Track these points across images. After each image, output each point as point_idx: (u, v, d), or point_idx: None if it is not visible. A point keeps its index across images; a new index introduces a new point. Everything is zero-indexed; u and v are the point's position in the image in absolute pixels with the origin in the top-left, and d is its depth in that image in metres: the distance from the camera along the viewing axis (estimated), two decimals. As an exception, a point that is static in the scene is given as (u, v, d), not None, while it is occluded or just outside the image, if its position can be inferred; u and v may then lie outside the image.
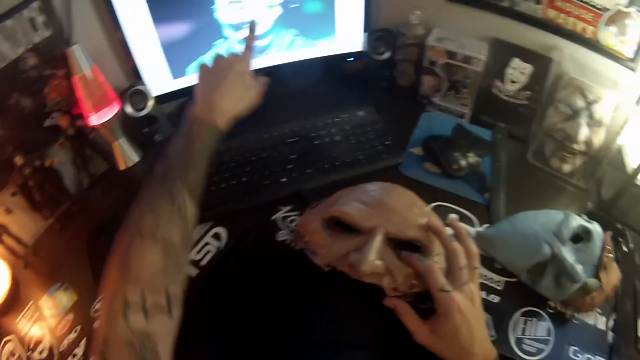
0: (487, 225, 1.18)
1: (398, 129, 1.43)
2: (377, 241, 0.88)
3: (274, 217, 1.21)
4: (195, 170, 0.92)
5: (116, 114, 1.31)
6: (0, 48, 1.11)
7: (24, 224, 1.25)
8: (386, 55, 1.56)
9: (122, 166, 1.40)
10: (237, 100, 1.05)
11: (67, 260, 1.21)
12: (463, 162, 1.29)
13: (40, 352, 1.08)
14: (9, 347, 1.10)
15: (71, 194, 1.34)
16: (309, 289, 0.96)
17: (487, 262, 1.10)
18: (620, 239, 1.15)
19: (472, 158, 1.31)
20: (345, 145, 1.34)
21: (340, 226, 0.96)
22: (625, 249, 1.14)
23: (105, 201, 1.34)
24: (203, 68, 1.09)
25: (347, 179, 1.23)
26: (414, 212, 0.95)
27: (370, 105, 1.49)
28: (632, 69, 1.25)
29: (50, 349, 1.08)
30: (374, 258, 0.86)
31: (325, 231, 0.98)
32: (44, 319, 1.12)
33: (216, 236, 1.18)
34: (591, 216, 1.14)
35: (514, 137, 1.44)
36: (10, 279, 1.18)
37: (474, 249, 0.89)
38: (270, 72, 1.51)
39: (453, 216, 1.19)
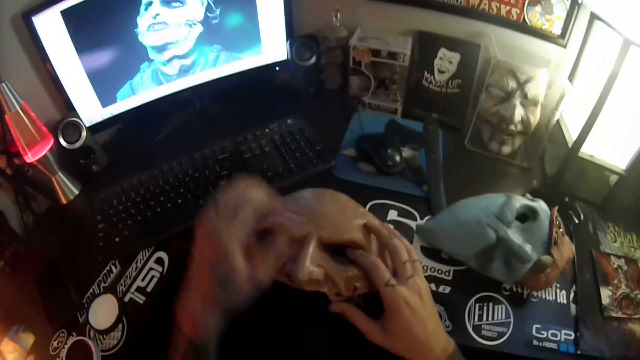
0: (428, 217, 1.15)
1: (330, 133, 1.41)
2: (311, 248, 0.85)
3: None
4: None
5: (50, 148, 1.27)
6: None
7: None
8: (311, 61, 1.54)
9: (63, 200, 1.36)
10: None
11: (22, 302, 1.17)
12: (397, 158, 1.26)
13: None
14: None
15: (17, 235, 1.31)
16: (256, 306, 0.92)
17: (433, 253, 1.07)
18: (571, 212, 1.13)
19: (407, 152, 1.29)
20: (276, 156, 1.31)
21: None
22: (576, 220, 1.13)
23: (52, 239, 1.29)
24: None
25: (282, 188, 1.18)
26: (346, 215, 0.92)
27: (299, 112, 1.45)
28: (563, 46, 1.27)
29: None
30: (309, 265, 0.83)
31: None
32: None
33: (159, 261, 1.14)
34: (537, 194, 1.12)
35: (449, 127, 1.42)
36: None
37: (408, 243, 0.87)
38: (197, 91, 1.52)
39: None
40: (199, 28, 1.43)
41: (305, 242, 0.85)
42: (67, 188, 1.36)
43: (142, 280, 1.11)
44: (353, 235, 0.87)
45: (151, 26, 1.35)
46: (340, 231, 0.88)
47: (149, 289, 1.09)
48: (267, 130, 1.39)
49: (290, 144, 1.33)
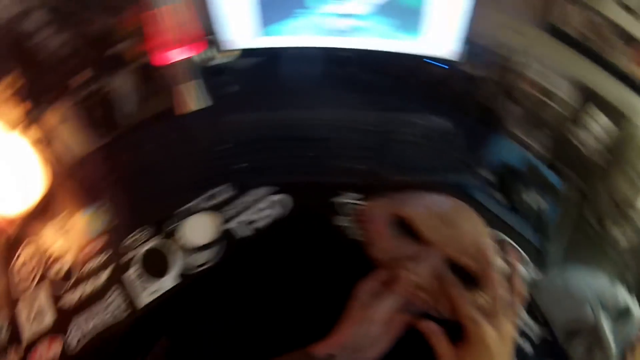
0: (539, 271, 1.15)
1: (471, 147, 1.39)
2: (436, 258, 0.86)
3: (335, 199, 1.16)
4: None
5: (198, 52, 1.27)
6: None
7: (75, 137, 1.24)
8: (477, 72, 1.52)
9: (182, 109, 1.35)
10: None
11: (110, 187, 1.18)
12: (529, 200, 1.26)
13: (57, 272, 1.06)
14: (29, 250, 1.08)
15: (126, 124, 1.32)
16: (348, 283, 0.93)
17: (530, 309, 1.07)
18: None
19: (539, 199, 1.28)
20: (420, 150, 1.30)
21: (403, 227, 0.93)
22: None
23: (157, 140, 1.30)
24: None
25: (414, 183, 1.16)
26: (479, 244, 0.91)
27: (449, 115, 1.44)
28: None
29: (69, 270, 1.05)
30: (429, 273, 0.85)
31: (389, 226, 0.95)
32: (74, 234, 1.09)
33: (277, 203, 1.14)
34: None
35: (577, 189, 1.39)
36: (49, 185, 1.16)
37: (521, 289, 0.87)
38: (355, 55, 1.50)
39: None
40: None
41: (432, 250, 0.87)
42: (190, 99, 1.35)
43: (255, 214, 1.09)
44: (476, 263, 0.88)
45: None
46: (466, 256, 0.88)
47: (258, 226, 1.08)
48: (419, 121, 1.37)
49: (437, 144, 1.33)
